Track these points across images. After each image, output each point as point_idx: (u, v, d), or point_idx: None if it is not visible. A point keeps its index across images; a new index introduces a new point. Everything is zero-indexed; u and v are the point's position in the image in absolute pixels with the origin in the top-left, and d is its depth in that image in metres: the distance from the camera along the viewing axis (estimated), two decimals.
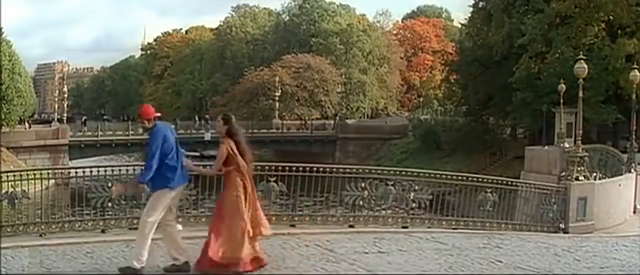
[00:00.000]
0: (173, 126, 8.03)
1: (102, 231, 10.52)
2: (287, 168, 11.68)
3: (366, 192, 12.03)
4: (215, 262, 7.61)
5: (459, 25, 65.33)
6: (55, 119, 73.64)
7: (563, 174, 16.22)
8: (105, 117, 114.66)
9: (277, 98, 70.77)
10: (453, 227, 12.52)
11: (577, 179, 14.73)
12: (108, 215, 10.68)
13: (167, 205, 7.77)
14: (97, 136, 54.68)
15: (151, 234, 7.74)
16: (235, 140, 7.83)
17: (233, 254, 7.66)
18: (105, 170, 11.18)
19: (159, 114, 8.00)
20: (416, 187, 12.39)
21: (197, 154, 49.84)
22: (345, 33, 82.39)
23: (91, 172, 11.17)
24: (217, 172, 7.99)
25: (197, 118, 69.62)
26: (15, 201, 10.31)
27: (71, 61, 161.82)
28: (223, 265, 7.62)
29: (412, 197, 12.31)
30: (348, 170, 13.14)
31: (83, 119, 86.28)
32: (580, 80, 17.40)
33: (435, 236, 11.25)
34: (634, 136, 24.91)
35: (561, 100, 28.81)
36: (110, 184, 10.63)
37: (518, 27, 40.71)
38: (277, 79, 70.97)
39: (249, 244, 7.75)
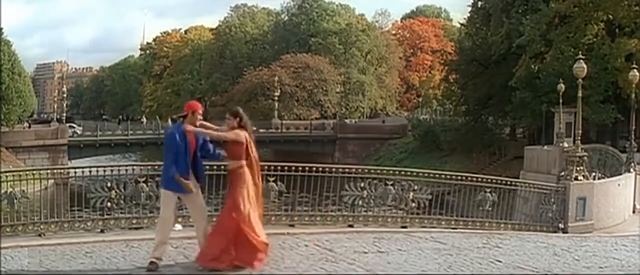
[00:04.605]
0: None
1: (102, 231, 10.52)
2: (286, 168, 11.67)
3: (365, 191, 12.03)
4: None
5: (458, 25, 65.36)
6: (55, 119, 73.71)
7: (562, 173, 16.21)
8: (104, 116, 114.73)
9: (276, 98, 70.80)
10: (452, 226, 12.52)
11: (576, 178, 14.73)
12: (107, 215, 10.67)
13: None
14: (96, 136, 54.73)
15: (162, 231, 7.87)
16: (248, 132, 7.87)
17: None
18: (105, 170, 11.18)
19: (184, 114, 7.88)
20: (415, 187, 12.39)
21: None
22: (344, 33, 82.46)
23: (90, 172, 11.17)
24: (217, 137, 7.88)
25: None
26: (15, 201, 10.30)
27: (70, 61, 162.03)
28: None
29: (411, 197, 12.30)
30: (347, 170, 13.12)
31: (118, 119, 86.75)
32: (580, 79, 17.39)
33: (435, 236, 11.25)
34: (633, 136, 24.92)
35: (560, 100, 28.80)
36: (109, 184, 10.65)
37: (517, 27, 40.71)
38: (276, 78, 71.01)
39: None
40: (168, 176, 7.69)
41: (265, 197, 11.43)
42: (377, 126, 65.99)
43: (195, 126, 7.74)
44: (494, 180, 13.65)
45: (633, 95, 26.91)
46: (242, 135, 7.76)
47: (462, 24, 57.83)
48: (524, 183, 15.96)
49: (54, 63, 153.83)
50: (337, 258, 8.93)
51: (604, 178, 19.08)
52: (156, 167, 11.01)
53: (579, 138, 16.60)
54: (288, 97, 72.67)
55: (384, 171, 13.24)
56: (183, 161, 7.62)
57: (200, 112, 7.83)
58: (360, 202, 12.04)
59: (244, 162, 7.80)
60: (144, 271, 7.79)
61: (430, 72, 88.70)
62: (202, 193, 8.20)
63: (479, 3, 49.38)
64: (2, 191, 10.31)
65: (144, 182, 10.74)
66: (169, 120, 77.40)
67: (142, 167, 12.61)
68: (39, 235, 10.15)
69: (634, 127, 25.84)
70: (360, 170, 13.38)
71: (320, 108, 75.03)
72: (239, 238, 7.69)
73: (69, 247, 9.16)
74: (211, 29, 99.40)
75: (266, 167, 11.80)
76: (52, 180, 11.48)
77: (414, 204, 12.34)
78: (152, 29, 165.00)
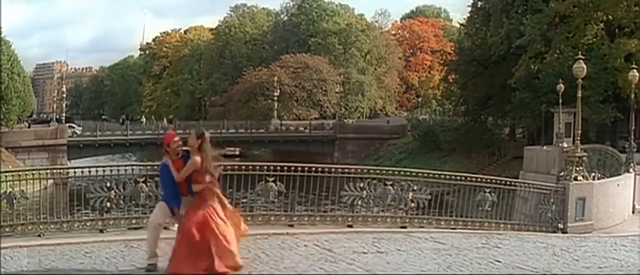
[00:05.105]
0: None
1: (101, 231, 10.52)
2: (285, 168, 11.67)
3: (365, 192, 12.03)
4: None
5: (458, 25, 65.31)
6: (54, 119, 73.66)
7: (562, 173, 16.22)
8: (103, 116, 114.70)
9: (275, 98, 70.77)
10: (452, 227, 12.53)
11: (575, 179, 14.74)
12: (107, 215, 10.68)
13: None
14: (95, 136, 54.69)
15: (153, 233, 8.01)
16: (202, 158, 7.68)
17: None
18: (104, 171, 11.18)
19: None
20: (415, 187, 12.40)
21: None
22: (344, 33, 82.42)
23: (89, 172, 11.17)
24: (180, 179, 7.76)
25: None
26: (14, 201, 10.30)
27: (70, 61, 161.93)
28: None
29: (410, 197, 12.31)
30: (347, 170, 13.12)
31: (121, 119, 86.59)
32: (579, 80, 17.38)
33: (434, 236, 11.26)
34: (632, 136, 24.92)
35: (560, 100, 28.78)
36: (108, 184, 10.65)
37: (517, 27, 40.69)
38: (275, 78, 70.97)
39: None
40: (167, 197, 8.08)
41: (265, 197, 11.47)
42: (376, 126, 65.94)
43: (178, 154, 7.95)
44: (494, 181, 13.66)
45: (632, 96, 26.91)
46: (196, 162, 7.67)
47: (461, 24, 57.82)
48: (524, 183, 15.96)
49: (53, 63, 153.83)
50: (337, 258, 8.93)
51: (603, 178, 19.08)
52: (155, 167, 11.01)
53: (579, 138, 16.61)
54: (287, 97, 72.62)
55: (384, 171, 13.24)
56: (177, 191, 7.90)
57: (176, 139, 8.00)
58: (359, 202, 12.05)
59: (207, 184, 7.70)
60: (144, 271, 7.80)
61: (429, 72, 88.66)
62: None
63: (479, 3, 49.37)
64: (2, 191, 10.31)
65: (143, 182, 10.74)
66: (165, 120, 77.68)
67: (141, 167, 12.61)
68: (39, 236, 10.16)
69: (633, 127, 25.83)
70: (359, 170, 13.38)
71: (320, 108, 75.00)
72: (211, 244, 7.51)
73: (68, 247, 9.17)
74: (211, 29, 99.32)
75: (265, 168, 11.83)
76: (52, 181, 11.49)
77: (413, 204, 12.35)
78: (152, 29, 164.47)
